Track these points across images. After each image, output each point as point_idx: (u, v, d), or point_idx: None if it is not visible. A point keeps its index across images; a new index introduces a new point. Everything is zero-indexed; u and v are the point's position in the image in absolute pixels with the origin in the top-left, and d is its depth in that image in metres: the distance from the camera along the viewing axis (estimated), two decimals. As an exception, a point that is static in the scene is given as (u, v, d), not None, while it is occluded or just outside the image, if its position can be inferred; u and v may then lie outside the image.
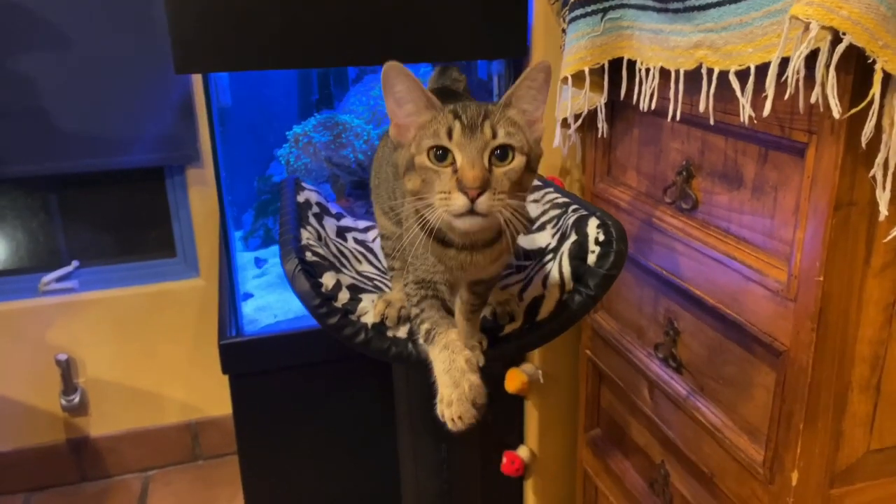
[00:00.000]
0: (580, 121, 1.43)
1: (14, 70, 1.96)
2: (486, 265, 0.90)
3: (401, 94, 0.82)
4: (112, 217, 2.32)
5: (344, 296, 0.96)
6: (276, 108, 2.16)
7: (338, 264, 1.06)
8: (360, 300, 0.98)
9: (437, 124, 0.80)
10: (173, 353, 2.32)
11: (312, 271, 0.95)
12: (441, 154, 0.79)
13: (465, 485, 1.23)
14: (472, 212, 0.77)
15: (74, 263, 2.27)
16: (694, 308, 1.28)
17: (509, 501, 1.92)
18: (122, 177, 2.25)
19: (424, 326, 0.90)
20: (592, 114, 1.42)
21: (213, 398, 2.39)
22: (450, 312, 0.93)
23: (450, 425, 0.84)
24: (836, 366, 1.03)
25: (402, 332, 0.97)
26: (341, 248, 1.16)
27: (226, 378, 1.60)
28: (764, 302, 1.08)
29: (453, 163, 0.79)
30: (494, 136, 0.80)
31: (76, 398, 2.24)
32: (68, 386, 2.23)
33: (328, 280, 0.96)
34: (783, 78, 0.88)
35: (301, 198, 1.23)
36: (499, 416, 1.83)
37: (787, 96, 0.89)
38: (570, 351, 1.76)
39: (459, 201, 0.77)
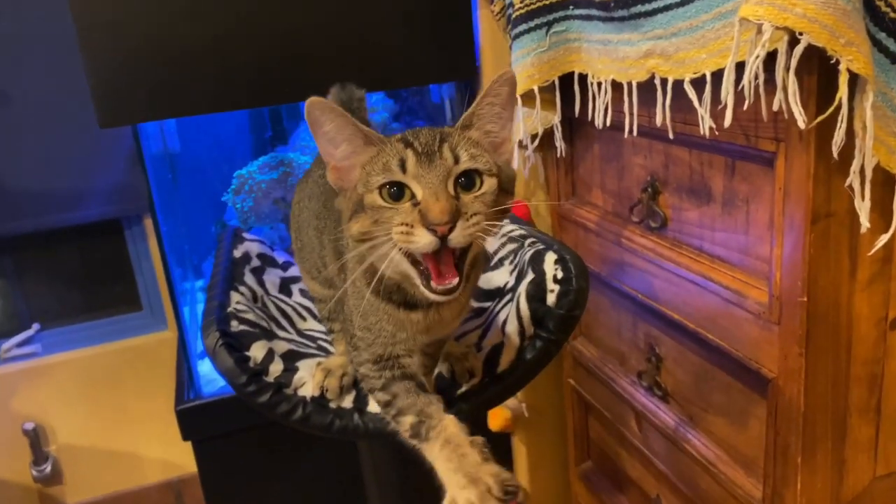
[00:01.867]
0: (537, 141, 1.34)
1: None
2: (452, 319, 0.79)
3: (332, 134, 0.71)
4: (72, 275, 2.23)
5: (276, 367, 0.86)
6: (229, 149, 2.07)
7: (274, 327, 0.96)
8: (296, 370, 0.88)
9: (385, 157, 0.69)
10: (147, 410, 2.22)
11: (237, 344, 0.85)
12: (396, 192, 0.67)
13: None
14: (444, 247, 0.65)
15: (35, 326, 2.17)
16: (674, 333, 1.19)
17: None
18: (79, 232, 2.16)
19: (407, 420, 0.76)
20: (550, 132, 1.33)
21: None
22: (422, 388, 0.79)
23: None
24: (830, 391, 0.93)
25: (347, 402, 0.87)
26: (282, 305, 1.06)
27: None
28: (746, 325, 0.99)
29: (413, 198, 0.67)
30: (457, 161, 0.68)
31: (48, 467, 2.14)
32: (39, 455, 2.13)
33: (257, 351, 0.86)
34: (741, 85, 0.79)
35: (238, 252, 1.14)
36: (485, 455, 1.72)
37: (746, 106, 0.80)
38: (553, 381, 1.66)
39: (424, 239, 0.64)
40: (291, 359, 0.90)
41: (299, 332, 1.03)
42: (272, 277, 1.14)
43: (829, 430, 0.96)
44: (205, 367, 1.59)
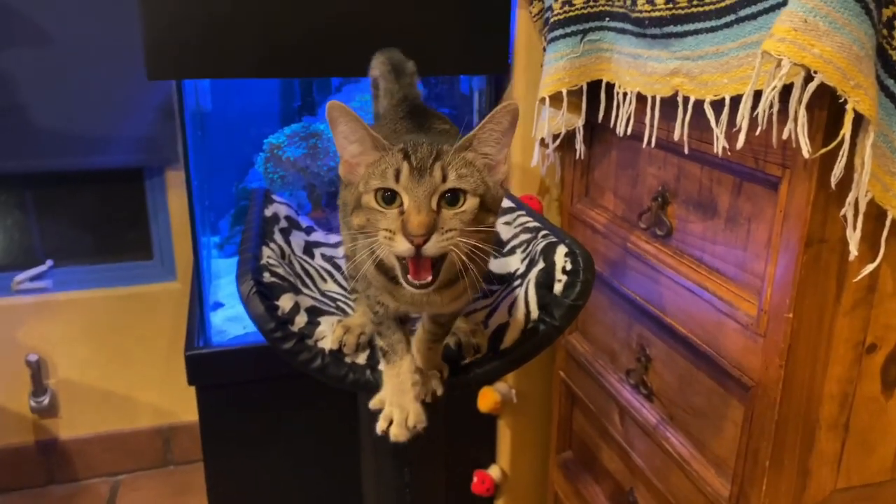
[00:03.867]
0: (558, 141, 1.41)
1: (-9, 67, 1.93)
2: (445, 304, 0.86)
3: (345, 134, 0.79)
4: (89, 217, 2.28)
5: (301, 319, 0.94)
6: (259, 113, 2.13)
7: (299, 284, 1.03)
8: (318, 324, 0.95)
9: (385, 164, 0.77)
10: (147, 357, 2.29)
11: (269, 293, 0.92)
12: (389, 196, 0.76)
13: (428, 510, 1.20)
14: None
15: (48, 263, 2.23)
16: (666, 336, 1.26)
17: (479, 520, 1.90)
18: (101, 177, 2.21)
19: (381, 343, 0.92)
20: (572, 133, 1.40)
21: (187, 403, 2.34)
22: (400, 326, 0.93)
23: (390, 437, 0.90)
24: (804, 403, 1.01)
25: (361, 359, 0.94)
26: (306, 266, 1.13)
27: (200, 384, 1.58)
28: (734, 335, 1.06)
29: (401, 205, 0.75)
30: (444, 179, 0.76)
31: (46, 400, 2.20)
32: (38, 387, 2.19)
33: (285, 302, 0.93)
34: (756, 112, 0.86)
35: (269, 211, 1.21)
36: (471, 434, 1.80)
37: (758, 131, 0.87)
38: (544, 371, 1.74)
39: (402, 245, 0.74)
40: (314, 313, 0.97)
41: (321, 292, 1.10)
42: (297, 239, 1.21)
43: (798, 440, 1.03)
44: (216, 318, 1.66)
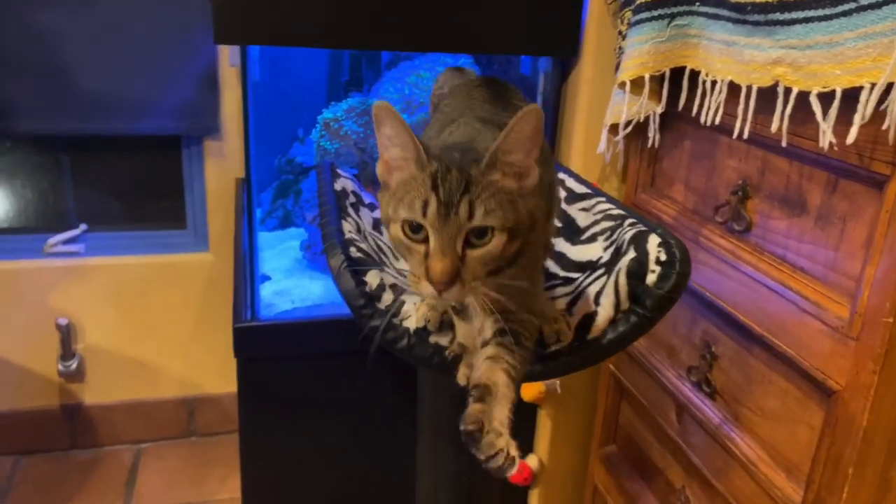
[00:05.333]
0: (629, 128, 1.37)
1: (36, 24, 1.89)
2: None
3: (389, 136, 0.76)
4: (124, 183, 2.25)
5: (387, 297, 0.90)
6: (304, 86, 2.09)
7: (378, 261, 1.00)
8: (402, 303, 0.92)
9: (414, 192, 0.74)
10: (175, 327, 2.27)
11: (357, 269, 0.89)
12: (416, 226, 0.74)
13: (484, 499, 1.18)
14: None
15: (82, 227, 2.20)
16: (736, 334, 1.22)
17: (513, 510, 1.87)
18: (138, 142, 2.19)
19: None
20: (640, 122, 1.36)
21: (213, 376, 2.33)
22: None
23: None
24: (894, 411, 0.97)
25: (445, 340, 0.91)
26: (378, 242, 1.10)
27: (226, 356, 1.54)
28: (820, 337, 1.03)
29: (426, 240, 0.73)
30: (471, 216, 0.72)
31: (73, 364, 2.19)
32: (66, 351, 2.18)
33: (372, 279, 0.90)
34: (883, 106, 0.82)
35: (338, 185, 1.17)
36: (511, 423, 1.77)
37: (885, 126, 0.83)
38: (592, 363, 1.70)
39: (426, 290, 0.74)
40: (398, 291, 0.94)
41: (397, 270, 1.06)
42: (366, 215, 1.18)
43: (884, 448, 1.00)
44: (264, 292, 1.63)
